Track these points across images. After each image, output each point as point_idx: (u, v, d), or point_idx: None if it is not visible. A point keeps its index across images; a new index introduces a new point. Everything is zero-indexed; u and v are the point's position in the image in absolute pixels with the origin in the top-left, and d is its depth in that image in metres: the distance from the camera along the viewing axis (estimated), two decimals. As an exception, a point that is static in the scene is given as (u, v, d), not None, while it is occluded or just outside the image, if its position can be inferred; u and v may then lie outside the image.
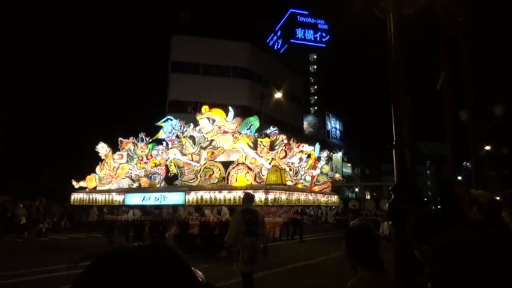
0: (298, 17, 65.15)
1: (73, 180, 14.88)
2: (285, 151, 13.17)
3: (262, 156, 12.47)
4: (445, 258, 0.89)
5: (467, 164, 29.19)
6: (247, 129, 13.62)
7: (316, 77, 63.64)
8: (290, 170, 13.98)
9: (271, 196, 11.18)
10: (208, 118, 12.96)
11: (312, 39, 65.44)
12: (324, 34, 65.94)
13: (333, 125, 54.49)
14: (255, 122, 13.86)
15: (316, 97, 62.87)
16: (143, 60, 44.57)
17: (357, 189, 38.99)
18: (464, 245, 0.88)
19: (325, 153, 17.26)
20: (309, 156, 15.59)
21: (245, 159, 12.46)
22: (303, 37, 64.93)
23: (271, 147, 12.76)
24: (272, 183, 11.53)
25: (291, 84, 38.22)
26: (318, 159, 16.22)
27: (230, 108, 13.51)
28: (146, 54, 46.57)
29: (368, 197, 37.83)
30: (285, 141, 14.02)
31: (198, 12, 56.41)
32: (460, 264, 0.84)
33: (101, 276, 0.59)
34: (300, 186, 14.17)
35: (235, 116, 13.74)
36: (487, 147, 18.14)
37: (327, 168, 16.79)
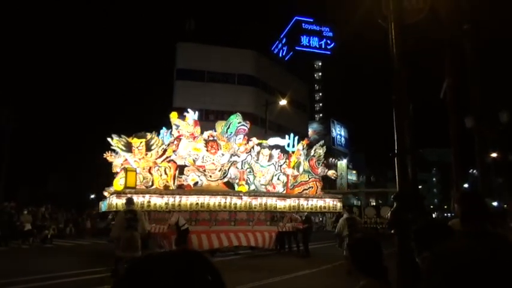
0: (303, 24, 65.38)
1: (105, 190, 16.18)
2: (164, 150, 12.30)
3: (141, 158, 11.98)
4: (447, 267, 0.89)
5: (474, 171, 28.96)
6: (227, 128, 13.50)
7: (321, 84, 63.67)
8: (220, 170, 12.90)
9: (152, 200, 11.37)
10: (175, 125, 12.93)
11: (317, 46, 65.58)
12: (329, 41, 66.10)
13: (338, 132, 54.36)
14: (233, 120, 13.62)
15: (321, 104, 62.84)
16: (149, 67, 44.96)
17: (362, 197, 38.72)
18: (466, 256, 0.89)
19: (301, 146, 14.65)
20: (285, 152, 14.28)
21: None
22: (308, 44, 65.09)
23: (148, 148, 12.08)
24: (127, 187, 11.46)
25: (296, 91, 38.28)
26: (292, 154, 14.39)
27: (190, 110, 13.25)
28: (152, 61, 46.94)
29: (374, 204, 37.55)
30: (212, 137, 12.92)
31: (204, 20, 56.95)
32: (461, 274, 0.85)
33: (139, 281, 0.62)
34: (242, 189, 12.88)
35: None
36: (494, 154, 17.99)
37: (298, 163, 14.38)
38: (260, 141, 14.30)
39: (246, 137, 13.95)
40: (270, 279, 8.71)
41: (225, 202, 12.27)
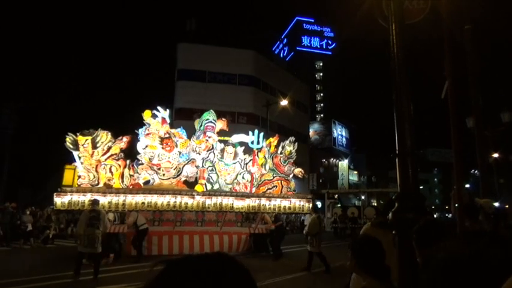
0: (304, 24, 65.51)
1: None
2: (109, 147, 12.14)
3: (86, 156, 11.95)
4: (435, 268, 0.90)
5: (475, 171, 28.91)
6: (200, 126, 13.37)
7: (322, 85, 63.74)
8: (175, 168, 12.64)
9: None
10: (147, 123, 12.95)
11: (318, 46, 65.72)
12: (330, 42, 66.22)
13: (339, 132, 54.38)
14: (206, 117, 13.48)
15: (322, 104, 62.93)
16: (150, 68, 45.01)
17: (363, 197, 38.73)
18: (454, 257, 0.89)
19: (264, 143, 13.60)
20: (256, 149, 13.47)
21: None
22: (309, 45, 65.22)
23: (94, 145, 11.96)
24: (63, 185, 11.61)
25: (297, 92, 38.28)
26: (258, 151, 13.61)
27: (160, 108, 13.09)
28: (153, 62, 47.02)
29: (375, 204, 37.53)
30: (168, 135, 12.62)
31: (205, 21, 57.08)
32: (449, 275, 0.85)
33: (173, 282, 0.64)
34: (198, 188, 12.35)
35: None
36: (496, 155, 17.94)
37: (266, 161, 13.59)
38: (223, 138, 13.73)
39: (205, 134, 13.41)
40: (271, 279, 8.71)
41: (175, 201, 11.83)
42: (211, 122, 13.48)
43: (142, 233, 11.55)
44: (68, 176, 11.71)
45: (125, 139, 12.48)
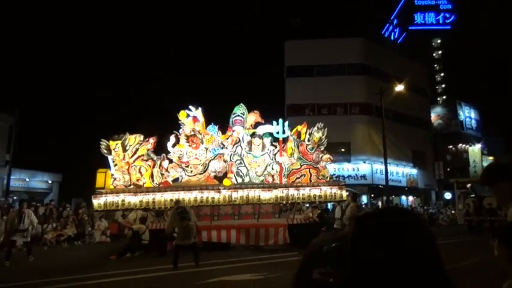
0: (416, 0, 60.03)
1: None
2: (137, 149, 12.56)
3: (120, 160, 12.58)
4: None
5: None
6: (232, 120, 13.56)
7: (442, 64, 57.60)
8: (202, 164, 12.88)
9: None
10: (182, 123, 13.41)
11: (434, 22, 59.51)
12: (447, 15, 59.34)
13: (467, 115, 48.43)
14: (235, 110, 13.67)
15: (443, 85, 56.86)
16: (260, 68, 46.65)
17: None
18: None
19: (288, 132, 13.30)
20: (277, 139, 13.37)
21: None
22: (422, 22, 59.54)
23: (124, 149, 12.39)
24: (97, 188, 12.57)
25: (413, 75, 35.43)
26: (284, 141, 13.35)
27: (191, 107, 13.42)
28: (262, 62, 48.72)
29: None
30: (193, 132, 12.85)
31: (309, 15, 56.70)
32: None
33: (366, 233, 0.77)
34: (226, 182, 12.46)
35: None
36: None
37: (293, 150, 13.26)
38: (248, 130, 13.62)
39: (230, 127, 13.63)
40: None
41: (201, 197, 12.15)
42: (238, 115, 13.64)
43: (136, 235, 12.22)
44: (100, 179, 12.84)
45: (152, 140, 13.10)
